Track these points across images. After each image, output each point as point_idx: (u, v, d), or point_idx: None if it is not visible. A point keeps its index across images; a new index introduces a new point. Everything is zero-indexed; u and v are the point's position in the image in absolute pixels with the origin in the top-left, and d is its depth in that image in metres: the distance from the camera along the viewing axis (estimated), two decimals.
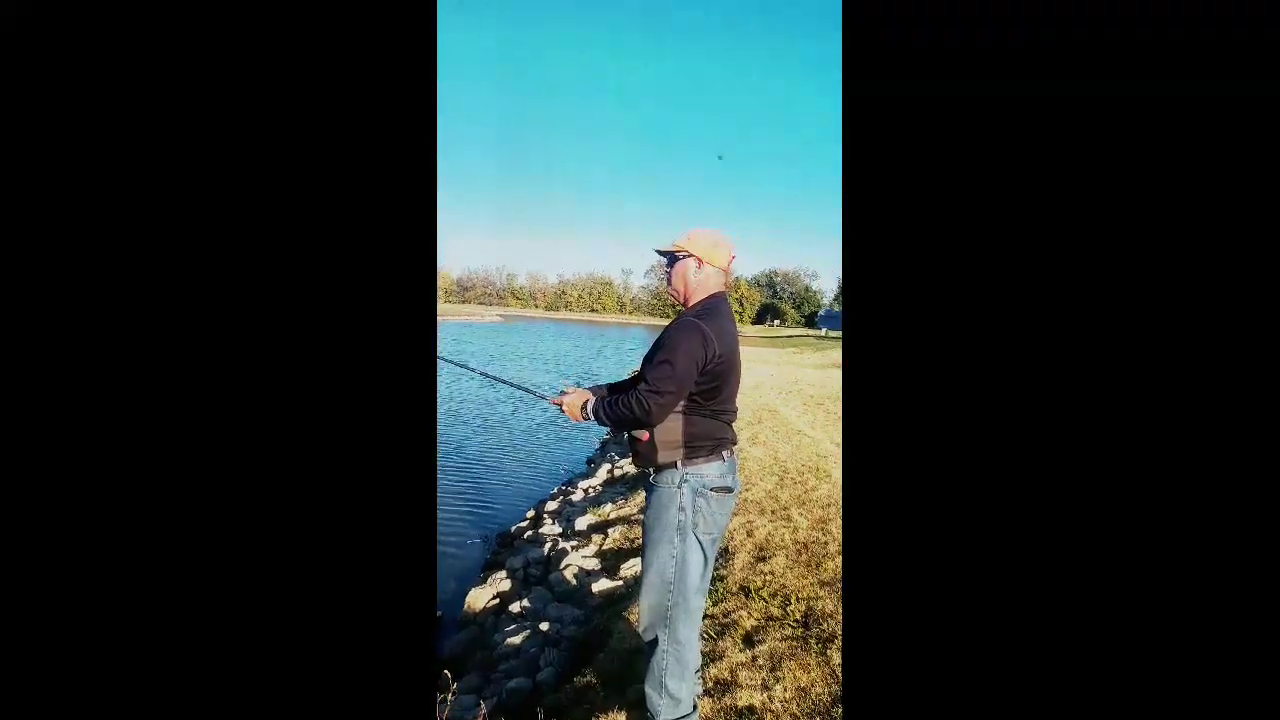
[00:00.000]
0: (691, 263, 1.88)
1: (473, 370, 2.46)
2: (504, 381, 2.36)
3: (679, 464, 1.80)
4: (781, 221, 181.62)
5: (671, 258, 1.92)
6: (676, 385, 1.73)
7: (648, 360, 1.81)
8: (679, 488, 1.79)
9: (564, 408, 1.93)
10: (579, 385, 1.99)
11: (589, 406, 1.87)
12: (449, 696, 2.04)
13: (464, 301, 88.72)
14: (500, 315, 67.75)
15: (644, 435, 1.81)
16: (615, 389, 1.96)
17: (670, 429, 1.79)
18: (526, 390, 2.35)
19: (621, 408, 1.77)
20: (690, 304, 1.89)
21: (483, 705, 2.31)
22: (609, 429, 1.91)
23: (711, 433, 1.82)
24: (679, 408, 1.78)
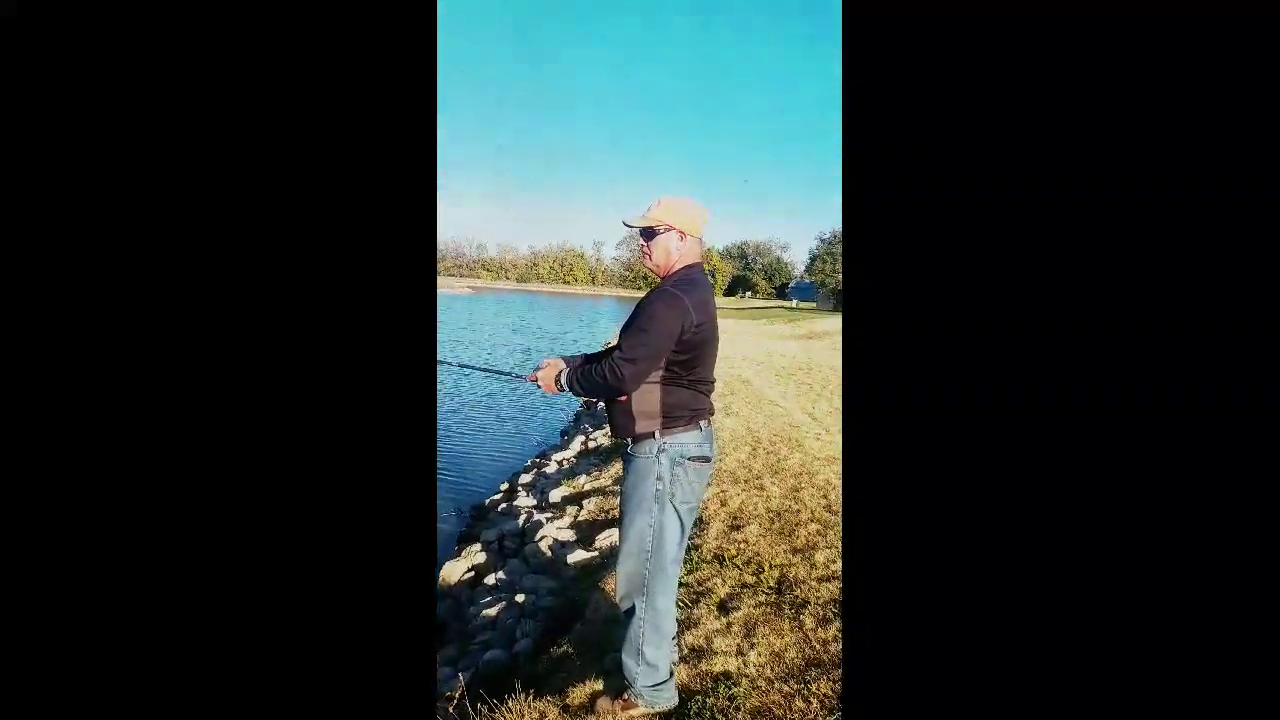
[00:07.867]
0: (674, 235, 1.83)
1: (449, 364, 2.49)
2: (479, 369, 2.35)
3: (657, 434, 1.79)
4: (752, 192, 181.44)
5: (649, 232, 1.85)
6: (650, 354, 1.72)
7: (625, 328, 1.79)
8: (657, 457, 1.79)
9: (540, 383, 1.90)
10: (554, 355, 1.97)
11: (563, 378, 1.85)
12: None
13: None
14: (470, 287, 66.93)
15: (621, 400, 1.80)
16: (591, 359, 1.93)
17: (648, 399, 1.78)
18: (503, 374, 2.35)
19: (595, 376, 1.75)
20: (669, 275, 1.85)
21: (460, 676, 2.31)
22: (585, 398, 1.91)
23: (689, 403, 1.81)
24: (656, 378, 1.77)
